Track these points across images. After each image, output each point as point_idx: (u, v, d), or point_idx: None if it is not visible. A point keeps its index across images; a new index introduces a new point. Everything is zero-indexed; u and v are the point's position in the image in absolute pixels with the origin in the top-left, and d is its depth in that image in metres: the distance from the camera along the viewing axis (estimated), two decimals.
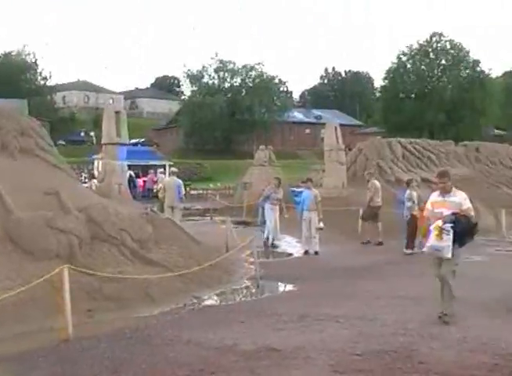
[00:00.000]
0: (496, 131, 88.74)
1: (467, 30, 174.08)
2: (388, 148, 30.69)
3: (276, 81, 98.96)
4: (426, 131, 70.79)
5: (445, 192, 10.53)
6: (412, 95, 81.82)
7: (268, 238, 21.01)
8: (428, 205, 10.87)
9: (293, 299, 12.81)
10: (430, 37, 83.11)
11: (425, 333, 9.44)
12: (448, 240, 9.98)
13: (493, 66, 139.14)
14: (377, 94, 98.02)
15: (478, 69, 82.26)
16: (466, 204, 10.41)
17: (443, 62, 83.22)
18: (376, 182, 22.33)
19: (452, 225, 10.04)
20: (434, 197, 10.78)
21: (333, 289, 13.71)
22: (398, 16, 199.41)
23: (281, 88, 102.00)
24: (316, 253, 19.42)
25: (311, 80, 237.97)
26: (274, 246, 20.82)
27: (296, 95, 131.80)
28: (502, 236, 23.93)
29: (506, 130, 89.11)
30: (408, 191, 19.80)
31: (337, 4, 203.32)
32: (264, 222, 21.52)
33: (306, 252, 19.64)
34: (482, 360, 8.18)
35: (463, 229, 10.14)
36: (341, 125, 34.32)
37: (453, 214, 10.18)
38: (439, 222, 10.12)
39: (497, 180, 33.08)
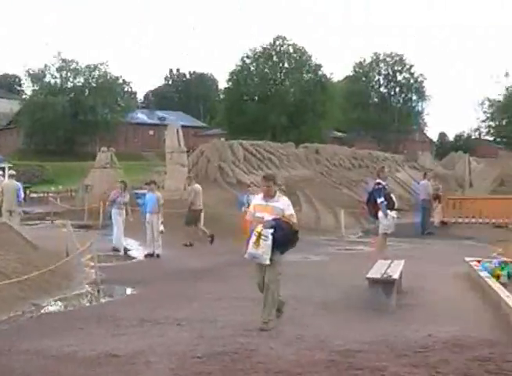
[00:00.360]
0: (337, 133, 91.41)
1: (310, 35, 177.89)
2: (230, 150, 31.04)
3: (120, 81, 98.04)
4: (269, 134, 71.78)
5: (269, 196, 10.27)
6: (256, 98, 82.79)
7: (117, 243, 20.74)
8: (251, 208, 10.63)
9: (135, 303, 12.71)
10: (274, 41, 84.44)
11: (264, 333, 9.60)
12: (265, 246, 9.77)
13: (335, 70, 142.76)
14: (221, 96, 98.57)
15: (320, 73, 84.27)
16: (289, 211, 10.19)
17: (286, 65, 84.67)
18: (197, 186, 22.63)
19: (272, 231, 9.82)
20: (258, 200, 10.53)
21: (175, 292, 13.73)
22: (244, 19, 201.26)
23: (125, 89, 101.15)
24: (158, 256, 19.41)
25: (156, 81, 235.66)
26: (116, 250, 20.58)
27: (140, 96, 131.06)
28: (342, 235, 24.70)
29: (346, 132, 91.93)
30: (246, 194, 20.18)
31: (182, 4, 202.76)
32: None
33: (148, 255, 19.58)
34: (320, 357, 8.36)
35: (284, 236, 9.93)
36: (185, 127, 34.46)
37: (274, 219, 9.96)
38: (259, 228, 9.90)
39: (337, 181, 34.07)
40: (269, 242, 9.77)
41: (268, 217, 9.99)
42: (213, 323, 10.28)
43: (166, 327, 10.25)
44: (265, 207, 10.18)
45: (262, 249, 9.78)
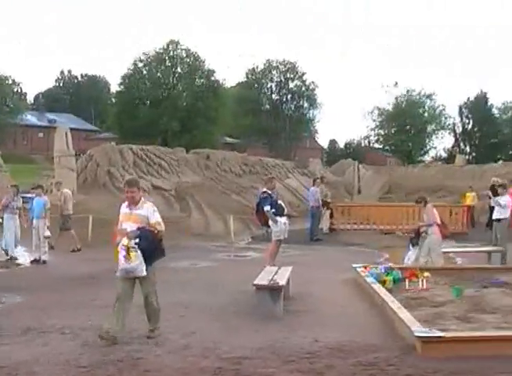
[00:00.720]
0: (229, 139, 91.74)
1: (204, 40, 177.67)
2: (119, 154, 30.77)
3: (10, 81, 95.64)
4: (160, 138, 71.52)
5: (133, 204, 9.77)
6: (148, 102, 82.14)
7: (7, 249, 20.09)
8: (120, 218, 9.97)
9: (19, 312, 12.28)
10: (167, 45, 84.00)
11: (150, 340, 9.54)
12: (138, 257, 9.43)
13: (227, 76, 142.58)
14: (113, 99, 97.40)
15: (213, 78, 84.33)
16: (155, 218, 9.69)
17: (179, 70, 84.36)
18: (66, 191, 22.41)
19: (137, 241, 9.44)
20: (123, 209, 9.95)
21: (61, 299, 13.41)
22: (138, 22, 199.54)
23: (15, 90, 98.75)
24: (44, 262, 19.01)
25: (47, 82, 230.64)
26: (13, 258, 19.98)
27: (30, 98, 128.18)
28: (231, 241, 24.75)
29: (239, 138, 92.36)
30: None
31: (76, 5, 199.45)
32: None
33: (34, 261, 19.15)
34: (206, 365, 8.37)
35: (149, 246, 9.52)
36: (76, 130, 33.93)
37: (139, 229, 9.54)
38: (125, 241, 9.48)
39: (227, 187, 34.12)
40: (139, 252, 9.43)
41: (133, 226, 9.57)
42: (99, 332, 10.09)
43: (51, 335, 10.01)
44: (129, 216, 9.74)
45: (136, 261, 9.46)
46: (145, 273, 9.55)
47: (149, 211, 9.73)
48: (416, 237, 17.64)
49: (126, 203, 9.90)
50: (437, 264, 16.90)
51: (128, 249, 9.44)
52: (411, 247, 17.76)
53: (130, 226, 9.58)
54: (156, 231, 9.65)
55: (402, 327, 9.88)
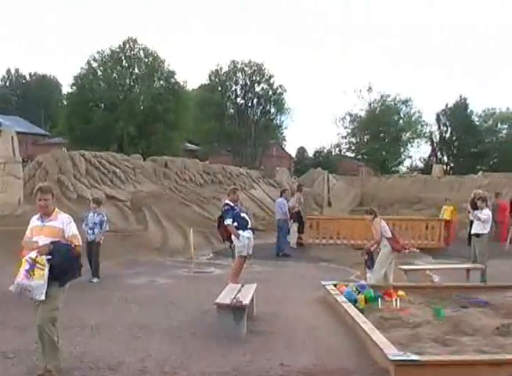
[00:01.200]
0: (190, 145, 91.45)
1: (165, 39, 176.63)
2: (71, 161, 30.46)
3: None
4: (116, 144, 70.98)
5: (46, 214, 9.10)
6: (102, 105, 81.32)
7: None
8: (28, 231, 9.27)
9: None
10: (124, 44, 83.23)
11: (102, 364, 9.42)
12: (41, 277, 8.58)
13: (189, 78, 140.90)
14: (65, 101, 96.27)
15: (173, 80, 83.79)
16: (71, 231, 9.04)
17: (136, 70, 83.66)
18: None
19: (49, 257, 8.65)
20: (34, 220, 9.25)
21: (4, 320, 13.10)
22: (92, 20, 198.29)
23: None
24: None
25: None
26: None
27: None
28: (191, 256, 24.62)
29: (200, 145, 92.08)
30: (91, 213, 19.27)
31: (26, 2, 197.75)
32: None
33: None
34: None
35: (63, 263, 8.76)
36: (24, 134, 33.58)
37: (52, 243, 8.78)
38: (33, 254, 8.61)
39: (187, 198, 33.91)
40: (46, 271, 8.62)
41: (44, 240, 8.84)
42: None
43: None
44: (41, 229, 9.04)
45: (39, 280, 8.61)
46: (43, 298, 8.72)
47: (65, 223, 9.12)
48: (370, 259, 17.70)
49: (37, 215, 9.28)
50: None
51: (34, 264, 8.62)
52: (367, 270, 17.82)
53: (42, 240, 8.89)
54: (73, 246, 9.02)
55: (375, 350, 9.87)
